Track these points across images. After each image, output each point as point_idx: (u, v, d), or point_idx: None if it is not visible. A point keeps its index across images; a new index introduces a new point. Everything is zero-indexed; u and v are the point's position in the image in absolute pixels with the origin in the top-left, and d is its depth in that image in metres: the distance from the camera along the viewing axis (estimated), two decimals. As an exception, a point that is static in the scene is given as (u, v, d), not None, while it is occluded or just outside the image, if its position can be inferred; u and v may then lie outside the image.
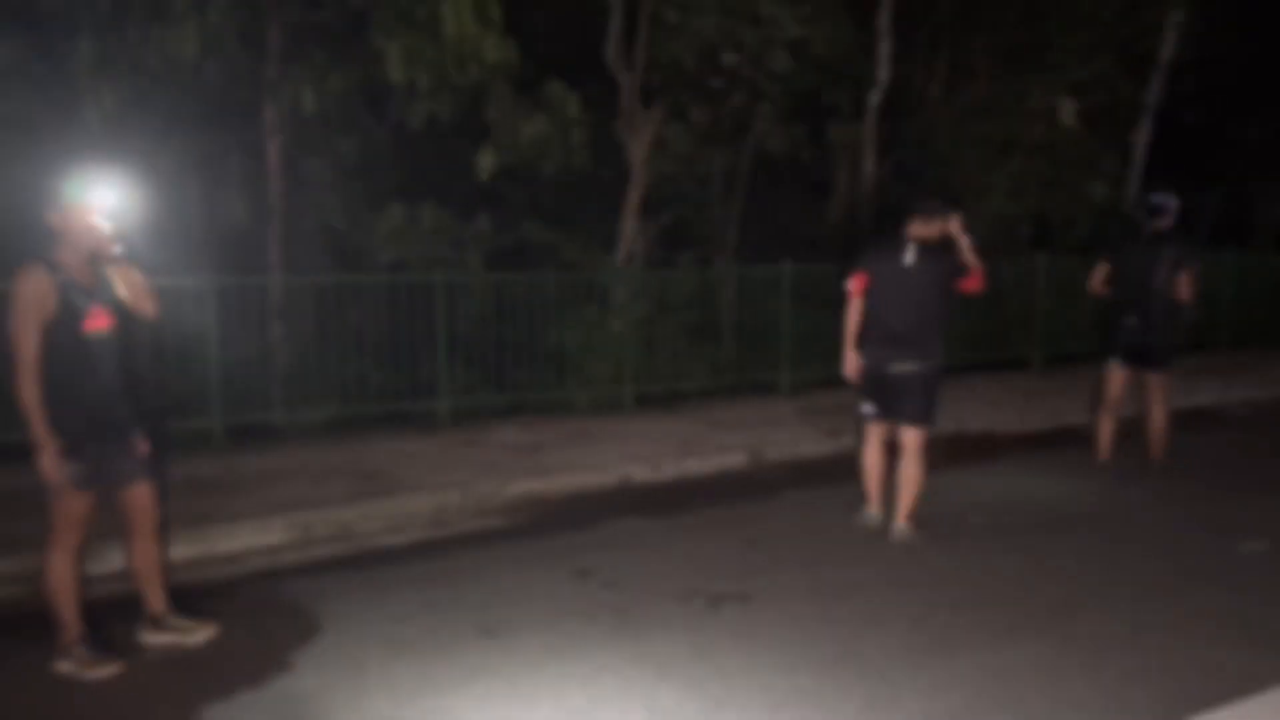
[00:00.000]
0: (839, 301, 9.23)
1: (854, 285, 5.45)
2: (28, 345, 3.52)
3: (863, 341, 5.44)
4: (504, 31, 7.78)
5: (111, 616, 4.10)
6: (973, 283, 5.32)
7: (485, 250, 9.04)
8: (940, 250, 5.33)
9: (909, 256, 5.28)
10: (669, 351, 8.83)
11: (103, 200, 3.66)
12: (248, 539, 5.21)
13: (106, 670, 3.73)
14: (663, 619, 4.21)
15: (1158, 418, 6.58)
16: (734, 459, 6.95)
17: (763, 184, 12.36)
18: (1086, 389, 9.36)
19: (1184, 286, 6.29)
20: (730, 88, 9.56)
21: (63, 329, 3.58)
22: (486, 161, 8.38)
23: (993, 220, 11.79)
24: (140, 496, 3.92)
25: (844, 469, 6.87)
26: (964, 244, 5.35)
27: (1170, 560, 4.95)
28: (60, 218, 3.61)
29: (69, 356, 3.61)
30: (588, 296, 8.42)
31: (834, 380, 9.44)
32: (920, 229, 5.32)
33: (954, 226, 5.35)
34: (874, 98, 12.27)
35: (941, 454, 7.18)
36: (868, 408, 5.47)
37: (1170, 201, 6.41)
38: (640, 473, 6.53)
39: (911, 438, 5.34)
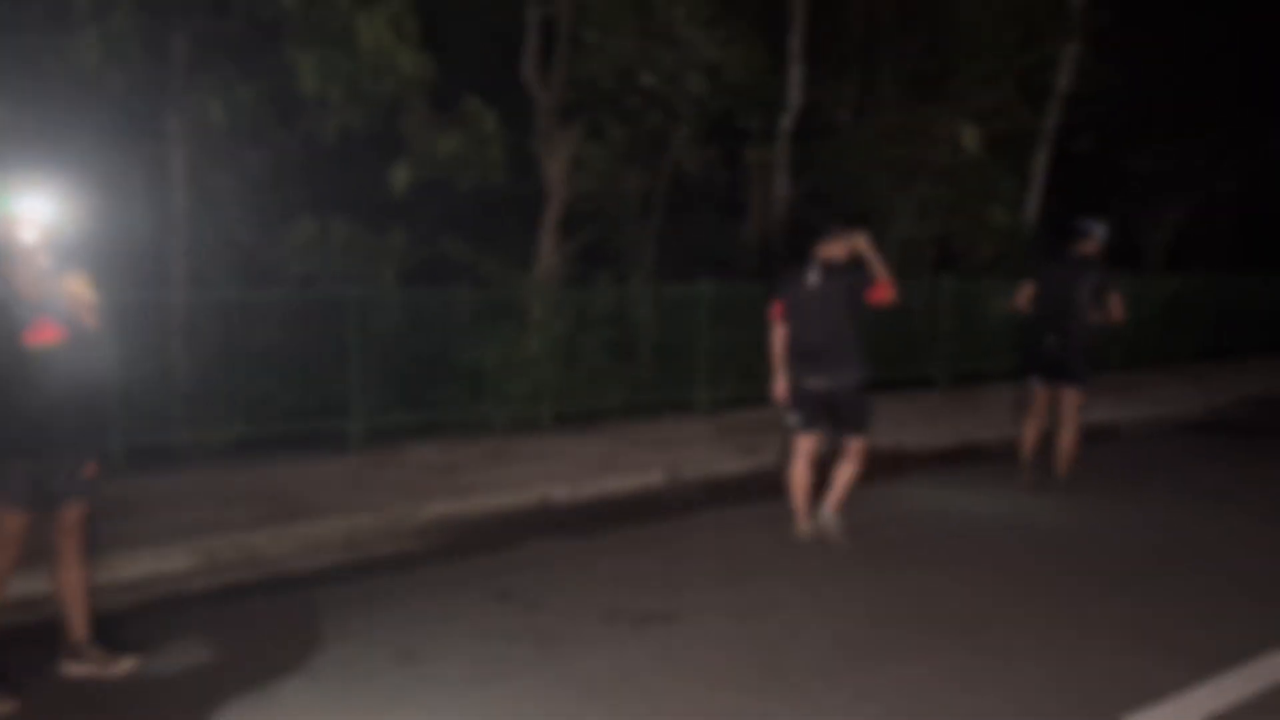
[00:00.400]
0: (756, 320, 9.44)
1: (774, 312, 5.68)
2: None
3: (788, 359, 5.65)
4: (420, 45, 7.70)
5: (16, 646, 3.87)
6: (880, 293, 5.51)
7: (400, 266, 8.89)
8: (847, 269, 5.54)
9: (814, 277, 5.53)
10: (587, 370, 8.81)
11: (29, 211, 3.52)
12: (150, 565, 4.98)
13: (4, 708, 3.51)
14: (586, 640, 4.17)
15: (1067, 434, 6.84)
16: (653, 477, 6.96)
17: (678, 203, 12.48)
18: (989, 406, 9.71)
19: (1115, 308, 6.58)
20: (648, 108, 9.64)
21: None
22: (401, 176, 8.26)
23: (899, 243, 12.14)
24: (71, 517, 3.74)
25: (761, 486, 6.97)
26: (872, 259, 5.55)
27: (1074, 571, 5.14)
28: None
29: (6, 370, 3.46)
30: (505, 314, 8.34)
31: (750, 398, 9.65)
32: (827, 250, 5.56)
33: (861, 244, 5.56)
34: (786, 121, 12.53)
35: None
36: (793, 419, 5.67)
37: (1096, 227, 6.69)
38: (560, 492, 6.49)
39: (850, 445, 5.62)
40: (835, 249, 5.55)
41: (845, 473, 5.66)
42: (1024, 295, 6.96)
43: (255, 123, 8.33)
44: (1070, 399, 6.78)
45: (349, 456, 7.14)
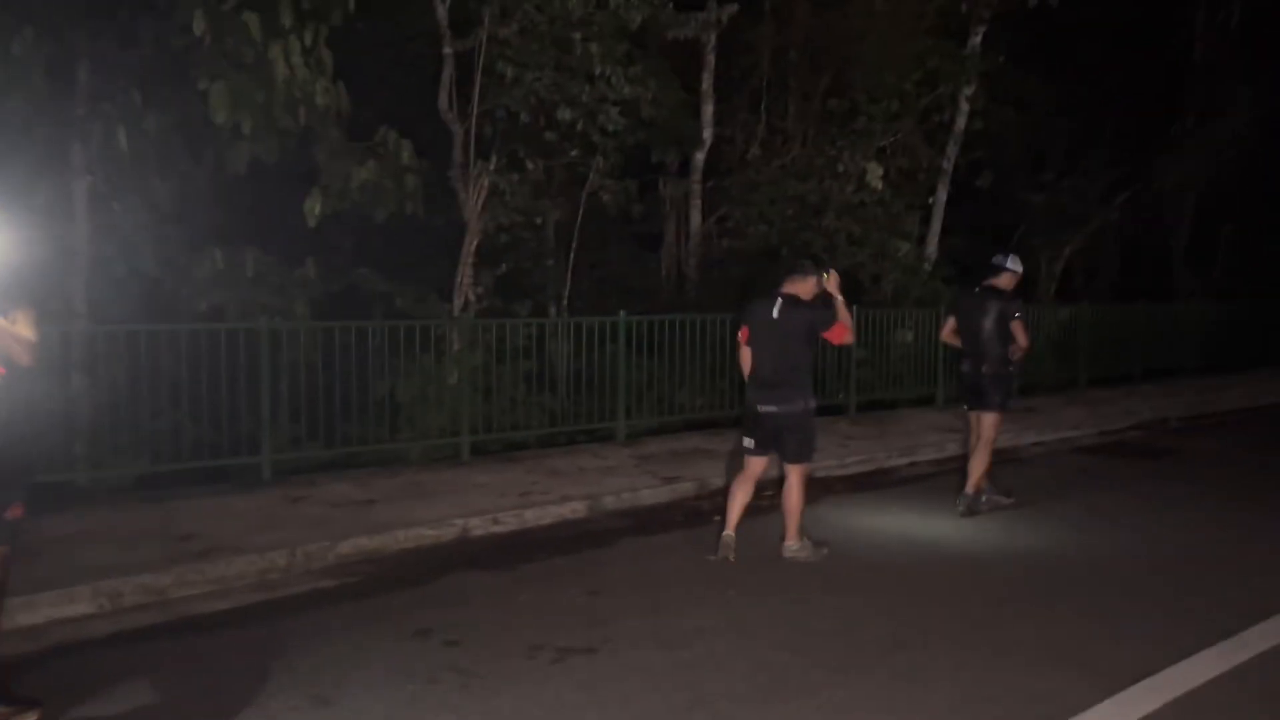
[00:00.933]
0: (673, 350, 9.58)
1: (741, 335, 5.98)
2: None
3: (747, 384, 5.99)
4: (334, 76, 7.64)
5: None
6: (836, 334, 5.82)
7: (314, 298, 8.74)
8: (808, 304, 5.82)
9: (775, 309, 5.78)
10: (506, 401, 8.79)
11: None
12: (51, 610, 4.78)
13: None
14: (509, 676, 4.16)
15: (977, 457, 7.10)
16: (573, 508, 6.96)
17: (595, 235, 12.60)
18: (896, 433, 10.00)
19: (1018, 336, 6.93)
20: (565, 142, 9.73)
21: None
22: (314, 206, 8.13)
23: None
24: None
25: (681, 515, 7.06)
26: (838, 300, 5.87)
27: (984, 591, 5.34)
28: None
29: None
30: (422, 345, 8.27)
31: (668, 428, 9.75)
32: (792, 285, 5.85)
33: (831, 284, 5.90)
34: (699, 156, 12.80)
35: (769, 497, 7.49)
36: (747, 442, 6.01)
37: (1006, 262, 7.08)
38: (478, 526, 6.44)
39: (790, 472, 5.95)
40: (801, 286, 5.86)
41: (791, 499, 5.94)
42: (947, 328, 7.37)
43: (163, 152, 8.12)
44: (985, 422, 7.07)
45: (261, 492, 6.96)
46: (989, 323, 6.94)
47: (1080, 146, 16.49)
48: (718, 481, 7.80)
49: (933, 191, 13.74)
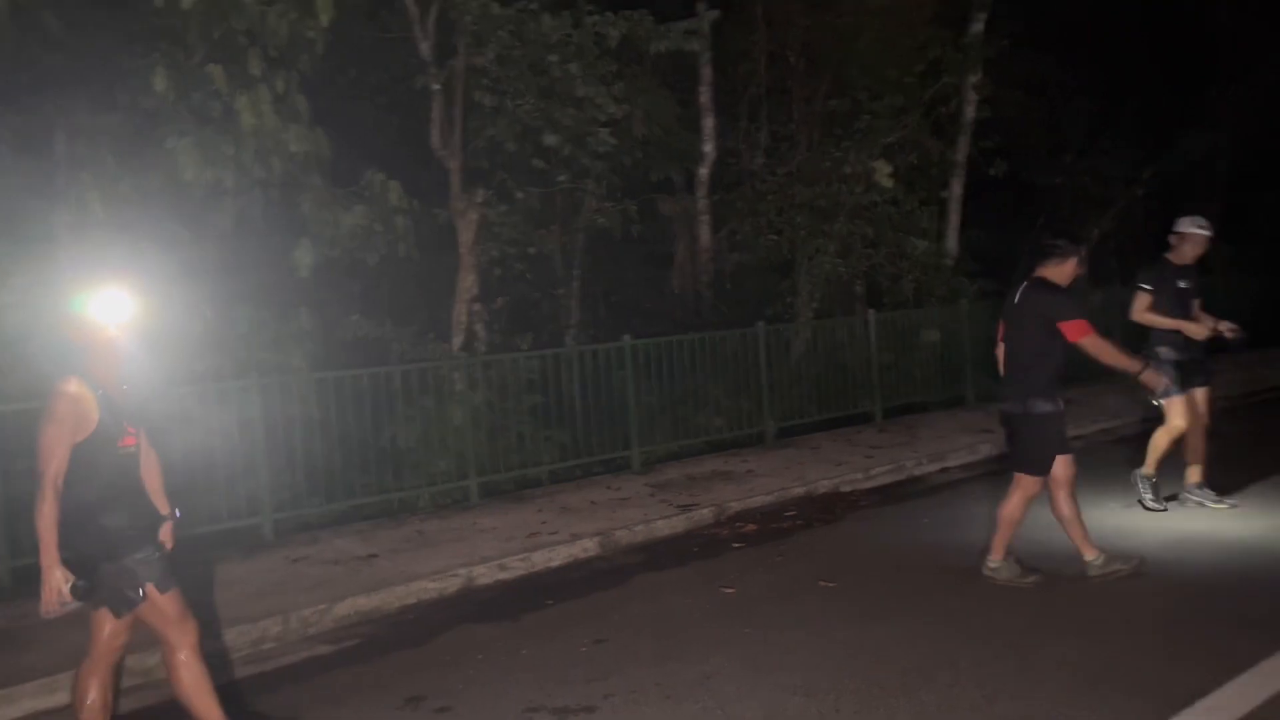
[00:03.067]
0: (685, 372, 9.27)
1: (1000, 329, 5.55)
2: None
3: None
4: (311, 123, 7.49)
5: None
6: (1075, 329, 5.15)
7: (312, 349, 8.56)
8: (1050, 289, 5.30)
9: (1019, 293, 5.38)
10: (514, 438, 8.52)
11: (111, 308, 3.55)
12: (32, 702, 4.57)
13: None
14: (500, 743, 3.86)
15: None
16: (584, 546, 6.66)
17: (604, 260, 12.37)
18: (924, 439, 9.58)
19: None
20: (554, 168, 9.51)
21: None
22: (304, 257, 7.97)
23: (826, 281, 12.12)
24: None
25: (698, 545, 6.72)
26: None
27: (1013, 611, 4.94)
28: None
29: (110, 477, 3.64)
30: (421, 388, 8.04)
31: (687, 451, 9.42)
32: (1046, 269, 5.34)
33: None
34: (703, 171, 12.54)
35: (790, 518, 7.15)
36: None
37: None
38: (484, 574, 6.16)
39: (1013, 480, 5.39)
40: (1058, 270, 5.30)
41: (1002, 508, 5.37)
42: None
43: (146, 215, 8.01)
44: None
45: (261, 555, 6.73)
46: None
47: (1100, 125, 15.97)
48: (736, 506, 7.47)
49: (946, 186, 13.33)
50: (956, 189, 13.55)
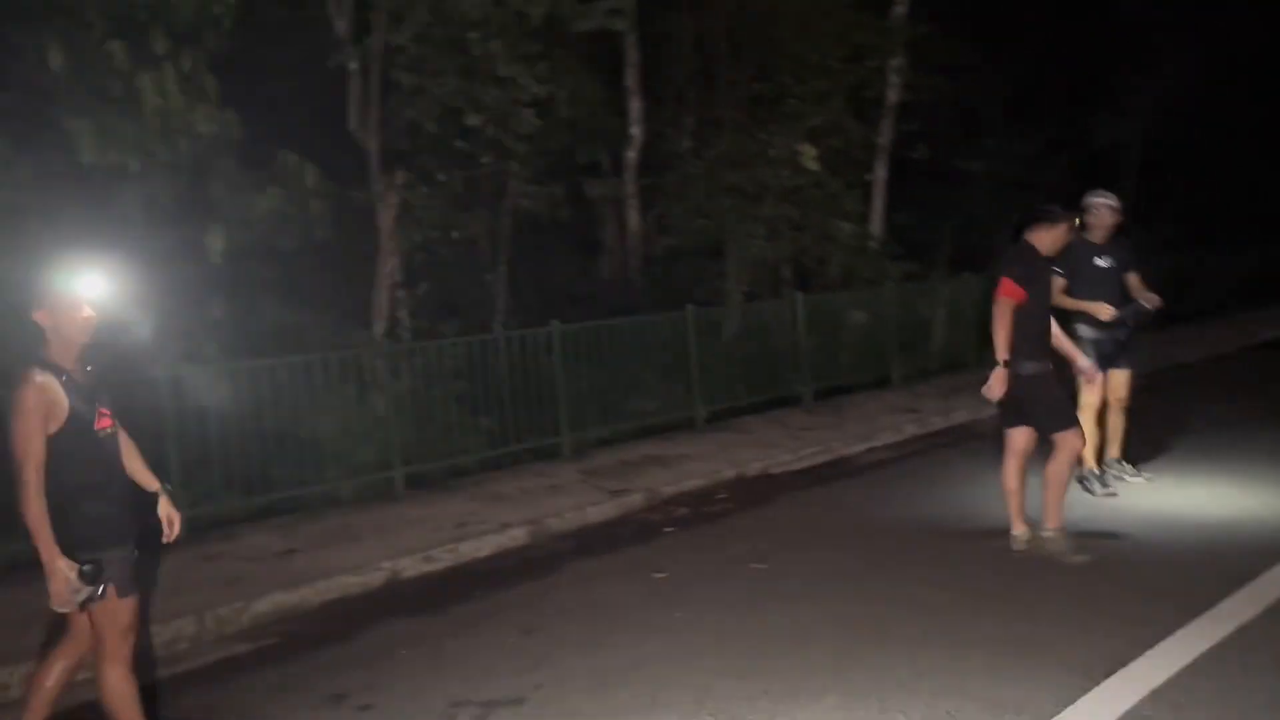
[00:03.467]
0: (615, 357, 9.18)
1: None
2: None
3: None
4: (221, 102, 7.18)
5: None
6: (1000, 289, 5.28)
7: (226, 339, 8.24)
8: (1022, 257, 5.36)
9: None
10: (441, 427, 8.34)
11: (89, 289, 3.50)
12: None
13: None
14: (425, 740, 3.74)
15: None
16: (513, 535, 6.54)
17: (532, 245, 12.18)
18: (853, 420, 9.67)
19: None
20: (477, 149, 9.30)
21: None
22: (216, 243, 7.65)
23: (755, 264, 12.14)
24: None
25: (630, 530, 6.66)
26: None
27: (943, 584, 4.99)
28: None
29: (91, 456, 3.51)
30: (342, 377, 7.80)
31: (620, 437, 9.35)
32: (1034, 233, 5.43)
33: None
34: (631, 154, 12.44)
35: (720, 501, 7.14)
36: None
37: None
38: (410, 566, 6.00)
39: (1053, 445, 5.36)
40: (1045, 236, 5.41)
41: (1047, 473, 5.34)
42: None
43: (45, 200, 7.61)
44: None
45: (171, 554, 6.42)
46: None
47: (1017, 110, 16.29)
48: (668, 490, 7.43)
49: (870, 169, 13.46)
50: (881, 172, 13.70)
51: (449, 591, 5.62)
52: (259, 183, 7.90)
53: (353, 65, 9.14)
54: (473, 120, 8.81)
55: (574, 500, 7.23)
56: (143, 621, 5.06)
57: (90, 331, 3.50)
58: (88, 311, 3.47)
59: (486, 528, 6.60)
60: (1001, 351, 5.22)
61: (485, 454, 8.50)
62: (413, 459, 7.93)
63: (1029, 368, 5.26)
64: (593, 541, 6.48)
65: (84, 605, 3.45)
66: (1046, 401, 5.32)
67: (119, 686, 3.56)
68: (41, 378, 3.36)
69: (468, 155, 9.38)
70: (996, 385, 5.26)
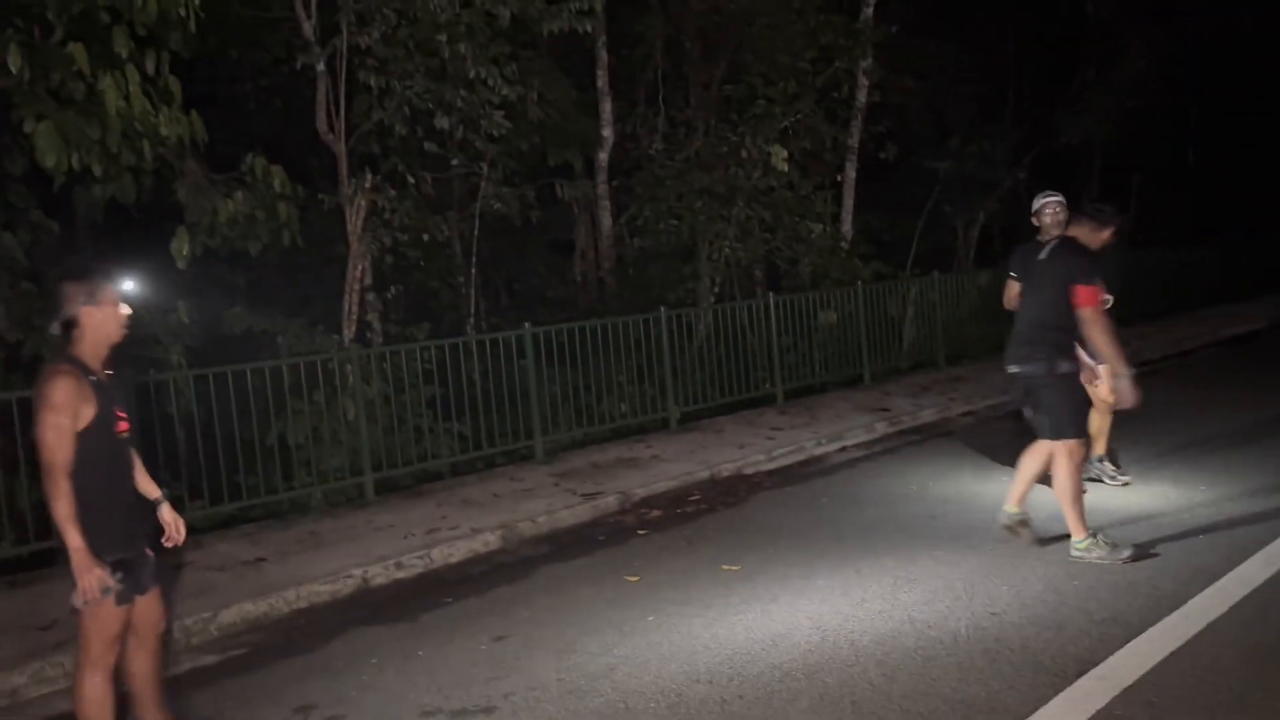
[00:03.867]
0: (590, 358, 9.16)
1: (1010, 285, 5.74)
2: None
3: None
4: (186, 105, 7.07)
5: None
6: (1088, 296, 5.12)
7: (193, 344, 8.14)
8: (1081, 250, 5.29)
9: (1046, 250, 5.42)
10: (412, 431, 8.28)
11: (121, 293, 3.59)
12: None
13: None
14: (395, 750, 3.71)
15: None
16: (485, 540, 6.50)
17: (504, 248, 12.14)
18: (825, 419, 9.70)
19: None
20: (447, 151, 9.25)
21: None
22: (182, 247, 7.54)
23: (727, 265, 12.16)
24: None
25: (603, 533, 6.64)
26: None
27: (918, 591, 5.01)
28: None
29: (111, 459, 3.55)
30: (311, 382, 7.73)
31: (593, 439, 9.32)
32: (1079, 228, 5.43)
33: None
34: (602, 156, 12.42)
35: (694, 502, 7.13)
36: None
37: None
38: (380, 574, 5.95)
39: (1053, 451, 5.31)
40: (1094, 235, 5.36)
41: (1056, 485, 5.26)
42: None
43: (6, 204, 7.49)
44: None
45: (142, 563, 6.36)
46: None
47: (983, 111, 16.45)
48: (641, 492, 7.41)
49: (840, 170, 13.52)
50: (850, 173, 13.77)
51: (420, 599, 5.58)
52: (226, 186, 7.81)
53: (320, 67, 9.06)
54: (442, 122, 8.74)
55: (546, 504, 7.20)
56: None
57: (120, 334, 3.55)
58: (127, 309, 3.52)
59: (458, 533, 6.56)
60: (1120, 361, 5.16)
61: (457, 458, 8.46)
62: (383, 465, 7.87)
63: (1069, 367, 5.25)
64: (565, 546, 6.45)
65: (120, 601, 3.46)
66: (1073, 403, 5.28)
67: (95, 694, 3.51)
68: (72, 374, 3.35)
69: (438, 157, 9.31)
70: (1128, 394, 5.19)
